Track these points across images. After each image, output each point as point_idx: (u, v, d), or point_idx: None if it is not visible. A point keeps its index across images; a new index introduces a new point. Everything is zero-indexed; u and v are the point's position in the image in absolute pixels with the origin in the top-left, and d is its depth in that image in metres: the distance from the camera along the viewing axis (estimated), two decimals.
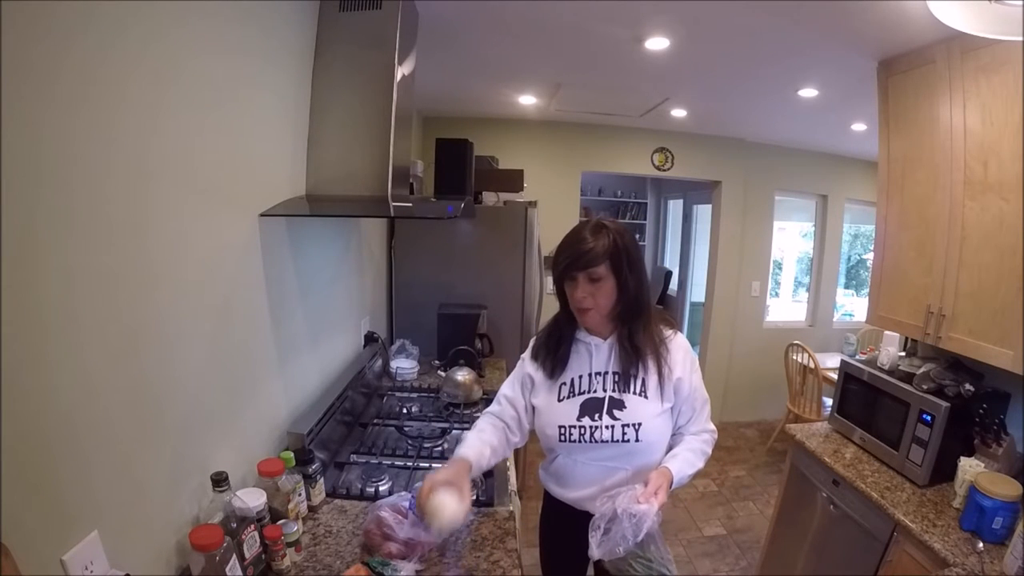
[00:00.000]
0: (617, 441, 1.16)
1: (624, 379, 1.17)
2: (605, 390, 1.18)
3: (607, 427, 1.16)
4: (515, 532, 1.30)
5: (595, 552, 1.02)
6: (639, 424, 1.15)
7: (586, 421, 1.17)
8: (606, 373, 1.19)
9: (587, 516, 1.24)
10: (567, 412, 1.19)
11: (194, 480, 1.08)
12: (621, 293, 1.14)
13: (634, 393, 1.17)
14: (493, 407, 1.30)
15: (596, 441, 1.16)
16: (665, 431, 1.20)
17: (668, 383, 1.18)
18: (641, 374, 1.17)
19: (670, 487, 1.10)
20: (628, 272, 1.12)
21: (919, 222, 1.81)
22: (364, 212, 1.92)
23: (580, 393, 1.19)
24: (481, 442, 1.19)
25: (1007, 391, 1.62)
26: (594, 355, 1.21)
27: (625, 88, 2.75)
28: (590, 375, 1.20)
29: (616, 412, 1.16)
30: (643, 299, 1.17)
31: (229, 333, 1.22)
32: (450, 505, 1.01)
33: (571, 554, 1.40)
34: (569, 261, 1.12)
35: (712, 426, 1.26)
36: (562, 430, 1.18)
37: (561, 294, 1.20)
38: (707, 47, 2.04)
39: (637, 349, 1.16)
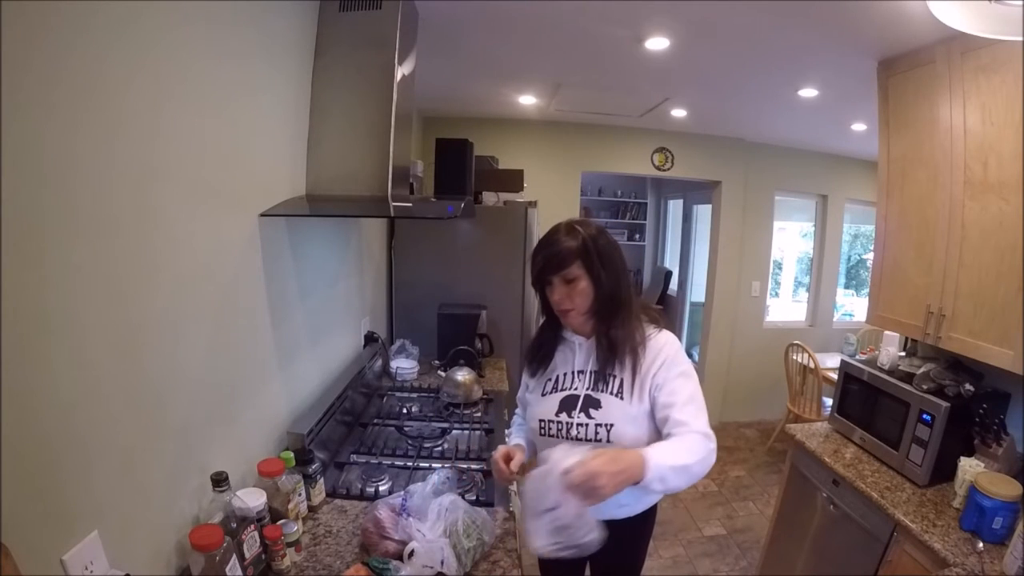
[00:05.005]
0: (591, 440, 1.15)
1: (602, 378, 1.17)
2: (583, 388, 1.19)
3: (581, 425, 1.16)
4: (515, 532, 1.30)
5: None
6: (611, 425, 1.14)
7: (563, 417, 1.18)
8: (585, 372, 1.20)
9: None
10: (548, 406, 1.21)
11: (194, 480, 1.08)
12: (597, 291, 1.14)
13: (611, 393, 1.16)
14: (518, 408, 1.42)
15: (571, 438, 1.16)
16: (640, 435, 1.14)
17: (644, 383, 1.14)
18: (619, 374, 1.16)
19: (633, 474, 0.94)
20: (601, 269, 1.13)
21: (919, 222, 1.81)
22: (364, 212, 1.93)
23: (562, 389, 1.22)
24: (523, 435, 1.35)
25: (1007, 391, 1.62)
26: (576, 353, 1.23)
27: (625, 88, 2.74)
28: (572, 373, 1.22)
29: (592, 411, 1.16)
30: (620, 296, 1.16)
31: (229, 333, 1.22)
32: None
33: None
34: (542, 265, 1.15)
35: (703, 427, 1.08)
36: (542, 424, 1.21)
37: (543, 298, 1.22)
38: (707, 47, 2.04)
39: (613, 346, 1.16)
